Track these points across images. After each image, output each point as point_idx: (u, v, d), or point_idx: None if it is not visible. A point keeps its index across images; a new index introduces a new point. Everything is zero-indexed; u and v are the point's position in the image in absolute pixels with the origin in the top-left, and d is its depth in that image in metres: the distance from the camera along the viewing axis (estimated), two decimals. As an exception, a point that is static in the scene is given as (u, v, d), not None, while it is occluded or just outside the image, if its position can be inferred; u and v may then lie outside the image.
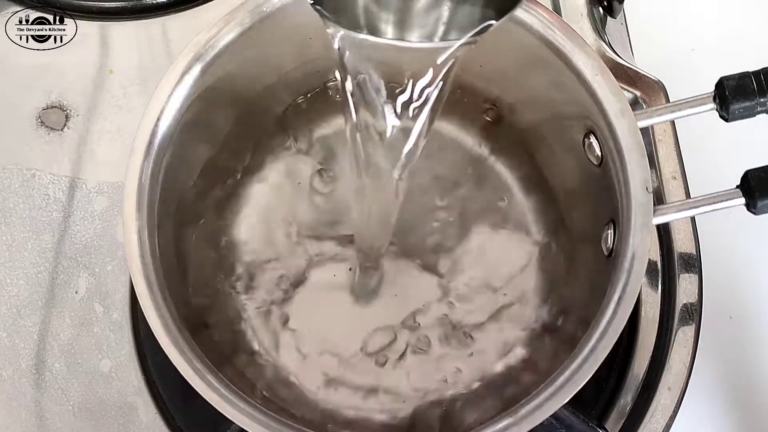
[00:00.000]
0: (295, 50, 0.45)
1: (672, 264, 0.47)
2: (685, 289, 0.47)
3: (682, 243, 0.48)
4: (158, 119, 0.39)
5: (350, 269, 0.47)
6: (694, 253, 0.47)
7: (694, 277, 0.47)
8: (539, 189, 0.47)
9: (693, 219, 0.47)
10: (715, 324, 0.49)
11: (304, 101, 0.48)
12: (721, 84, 0.37)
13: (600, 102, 0.38)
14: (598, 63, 0.39)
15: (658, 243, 0.48)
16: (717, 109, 0.38)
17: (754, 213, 0.37)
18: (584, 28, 0.51)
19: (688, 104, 0.38)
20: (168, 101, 0.39)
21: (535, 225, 0.47)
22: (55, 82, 0.51)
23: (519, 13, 0.40)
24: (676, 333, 0.46)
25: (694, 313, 0.47)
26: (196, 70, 0.39)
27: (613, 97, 0.38)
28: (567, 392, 0.35)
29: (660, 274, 0.47)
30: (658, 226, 0.48)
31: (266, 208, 0.48)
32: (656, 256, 0.47)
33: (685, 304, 0.47)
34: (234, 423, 0.35)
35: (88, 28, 0.52)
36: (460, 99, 0.48)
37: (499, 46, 0.43)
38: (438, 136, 0.48)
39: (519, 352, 0.45)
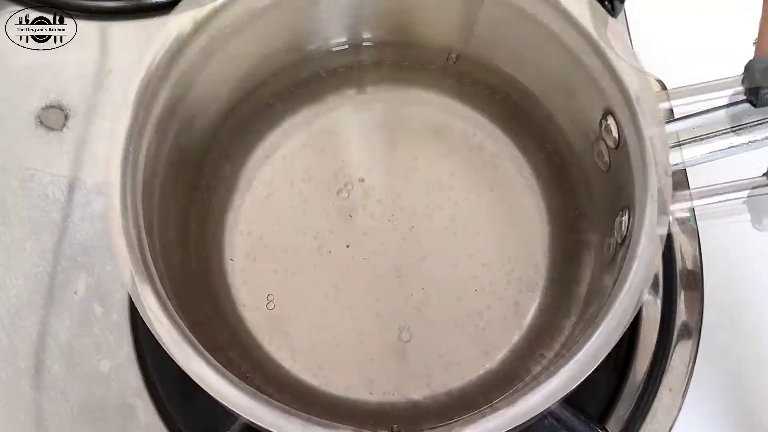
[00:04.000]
0: (290, 42, 0.45)
1: (673, 264, 0.47)
2: (687, 289, 0.47)
3: (683, 243, 0.48)
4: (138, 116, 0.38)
5: (347, 246, 0.46)
6: (696, 253, 0.47)
7: (696, 278, 0.47)
8: (552, 173, 0.46)
9: (695, 218, 0.47)
10: (717, 324, 0.49)
11: (296, 92, 0.48)
12: (750, 67, 0.35)
13: (620, 80, 0.36)
14: (623, 42, 0.37)
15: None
16: (745, 93, 0.36)
17: None
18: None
19: (714, 87, 0.36)
20: (155, 95, 0.39)
21: (547, 212, 0.46)
22: (55, 82, 0.51)
23: None
24: (677, 333, 0.46)
25: (695, 314, 0.46)
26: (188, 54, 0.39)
27: (634, 76, 0.36)
28: (569, 384, 0.34)
29: (662, 274, 0.47)
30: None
31: (266, 200, 0.47)
32: (658, 257, 0.47)
33: (686, 305, 0.46)
34: (239, 417, 0.35)
35: (88, 27, 0.52)
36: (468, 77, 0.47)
37: (513, 26, 0.42)
38: (446, 115, 0.48)
39: (523, 340, 0.45)
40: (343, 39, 0.47)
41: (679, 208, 0.36)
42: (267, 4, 0.41)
